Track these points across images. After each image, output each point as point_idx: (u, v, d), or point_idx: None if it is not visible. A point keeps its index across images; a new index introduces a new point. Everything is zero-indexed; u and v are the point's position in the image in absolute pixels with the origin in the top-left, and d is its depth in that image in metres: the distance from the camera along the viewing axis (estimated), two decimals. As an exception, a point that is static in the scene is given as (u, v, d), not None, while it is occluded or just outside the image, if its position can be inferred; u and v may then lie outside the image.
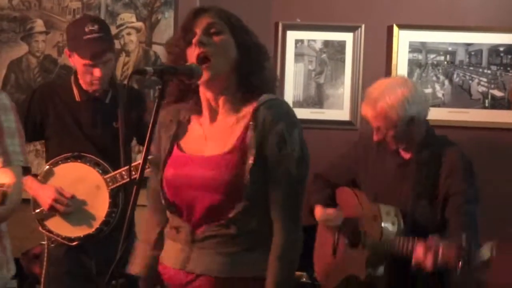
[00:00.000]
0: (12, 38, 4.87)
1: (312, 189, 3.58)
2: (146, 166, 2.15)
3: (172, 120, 2.42)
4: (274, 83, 2.37)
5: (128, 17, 4.78)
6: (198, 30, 2.32)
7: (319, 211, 3.59)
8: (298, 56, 4.81)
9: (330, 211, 3.57)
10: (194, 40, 2.29)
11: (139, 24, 4.77)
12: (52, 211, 3.47)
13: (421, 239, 3.06)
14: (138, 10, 4.77)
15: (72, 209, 3.47)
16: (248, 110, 2.30)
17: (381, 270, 3.39)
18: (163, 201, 2.38)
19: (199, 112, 2.40)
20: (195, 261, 2.31)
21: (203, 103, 2.38)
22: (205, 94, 2.37)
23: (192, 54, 2.30)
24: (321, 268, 3.76)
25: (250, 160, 2.24)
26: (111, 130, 3.56)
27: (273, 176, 2.26)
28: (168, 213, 2.41)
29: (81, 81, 3.54)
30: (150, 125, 2.18)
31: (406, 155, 3.47)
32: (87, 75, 3.47)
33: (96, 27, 3.46)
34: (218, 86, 2.33)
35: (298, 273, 4.12)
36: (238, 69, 2.31)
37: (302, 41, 4.83)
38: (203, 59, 2.28)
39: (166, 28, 4.74)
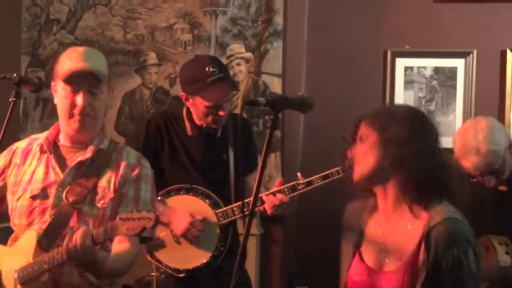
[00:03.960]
0: (126, 71, 5.02)
1: None
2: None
3: (355, 225, 2.49)
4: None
5: (237, 47, 4.85)
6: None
7: None
8: (408, 83, 4.75)
9: None
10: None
11: (248, 55, 4.83)
12: (184, 236, 3.47)
13: None
14: (247, 40, 4.83)
15: (201, 234, 3.47)
16: (420, 219, 2.32)
17: None
18: None
19: (375, 209, 2.45)
20: None
21: (379, 199, 2.42)
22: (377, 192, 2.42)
23: None
24: None
25: (421, 279, 2.27)
26: (222, 163, 3.57)
27: None
28: None
29: (195, 117, 3.53)
30: (262, 158, 2.18)
31: (503, 188, 3.41)
32: (210, 116, 3.45)
33: (216, 68, 3.42)
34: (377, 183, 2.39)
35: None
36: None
37: (411, 68, 4.77)
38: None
39: (275, 58, 4.78)
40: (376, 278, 2.35)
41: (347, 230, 2.51)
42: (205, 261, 3.48)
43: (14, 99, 2.66)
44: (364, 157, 2.35)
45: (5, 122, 2.63)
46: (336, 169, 3.39)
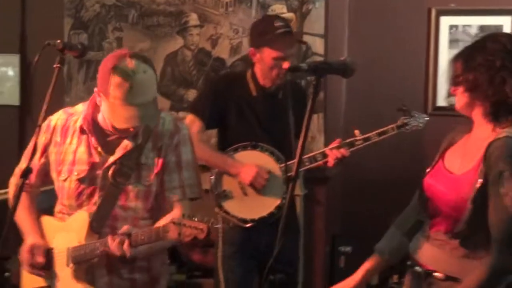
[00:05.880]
0: (168, 33, 5.03)
1: None
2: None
3: (450, 142, 2.66)
4: None
5: (279, 8, 4.82)
6: None
7: None
8: (453, 42, 4.68)
9: None
10: None
11: (290, 15, 4.80)
12: (251, 185, 3.68)
13: None
14: (289, 1, 4.80)
15: (267, 185, 3.70)
16: (493, 134, 2.44)
17: None
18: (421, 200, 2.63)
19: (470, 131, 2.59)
20: (424, 255, 2.56)
21: (474, 117, 2.53)
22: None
23: None
24: None
25: (476, 187, 2.41)
26: (284, 123, 3.77)
27: (491, 202, 2.38)
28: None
29: (260, 77, 3.75)
30: (305, 120, 2.30)
31: None
32: (274, 69, 3.66)
33: (283, 22, 3.72)
34: None
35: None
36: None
37: (456, 26, 4.70)
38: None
39: (317, 18, 4.75)
40: (449, 180, 2.51)
41: (442, 146, 2.66)
42: (271, 211, 3.67)
43: (58, 65, 2.67)
44: (459, 91, 2.49)
45: (50, 88, 2.65)
46: (391, 126, 3.63)
